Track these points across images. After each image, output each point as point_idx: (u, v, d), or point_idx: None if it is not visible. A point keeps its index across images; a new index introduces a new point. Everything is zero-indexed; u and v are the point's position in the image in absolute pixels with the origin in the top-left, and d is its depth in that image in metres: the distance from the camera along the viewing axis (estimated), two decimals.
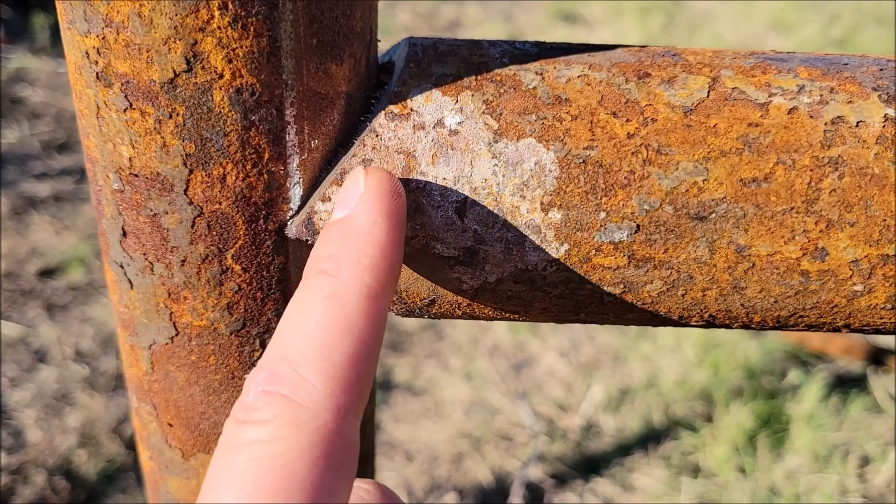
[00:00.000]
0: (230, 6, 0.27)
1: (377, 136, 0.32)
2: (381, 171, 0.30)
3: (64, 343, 1.88)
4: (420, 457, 1.73)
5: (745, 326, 0.35)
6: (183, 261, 0.32)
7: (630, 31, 3.40)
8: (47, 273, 2.06)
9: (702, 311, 0.33)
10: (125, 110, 0.29)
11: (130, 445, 1.67)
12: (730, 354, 1.93)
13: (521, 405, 1.84)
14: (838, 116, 0.31)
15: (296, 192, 0.32)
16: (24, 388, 1.76)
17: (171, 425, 0.36)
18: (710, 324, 0.34)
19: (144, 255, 0.32)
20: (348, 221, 0.29)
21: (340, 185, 0.32)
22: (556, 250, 0.32)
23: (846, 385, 1.88)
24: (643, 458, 1.74)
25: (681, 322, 0.34)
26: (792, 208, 0.31)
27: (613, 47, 0.34)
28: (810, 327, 0.34)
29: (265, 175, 0.31)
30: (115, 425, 1.70)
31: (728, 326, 0.35)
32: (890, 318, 0.33)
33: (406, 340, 2.00)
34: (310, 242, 0.32)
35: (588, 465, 1.73)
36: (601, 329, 2.04)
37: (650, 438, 1.78)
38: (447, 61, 0.33)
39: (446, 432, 1.78)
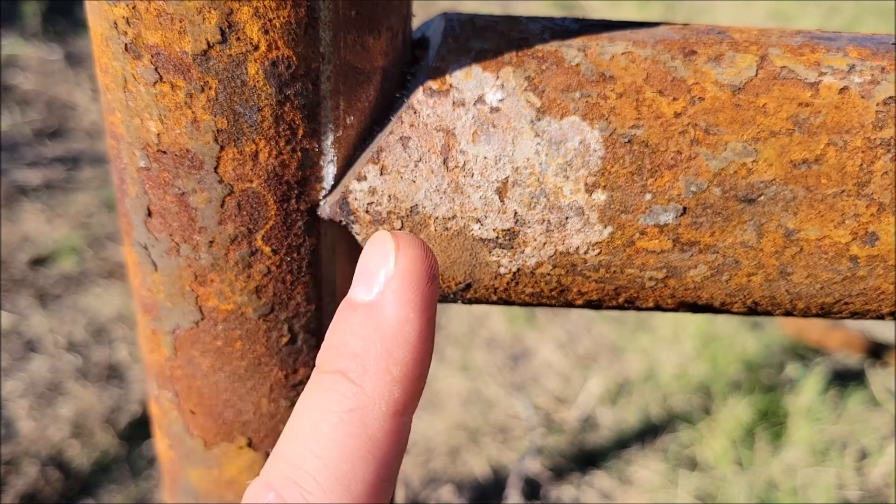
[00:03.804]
0: None
1: (415, 112, 0.30)
2: (416, 244, 0.25)
3: (56, 333, 1.86)
4: (416, 449, 1.73)
5: (788, 313, 0.34)
6: (211, 242, 0.31)
7: None
8: (39, 262, 2.04)
9: (745, 297, 0.33)
10: (154, 83, 0.28)
11: (124, 436, 1.65)
12: (728, 347, 1.93)
13: (518, 397, 1.83)
14: (890, 97, 0.30)
15: (329, 171, 0.31)
16: (16, 378, 1.74)
17: (193, 413, 0.35)
18: (751, 310, 0.34)
19: (171, 235, 0.31)
20: (375, 312, 0.24)
21: (376, 164, 0.30)
22: (600, 233, 0.31)
23: (844, 379, 1.88)
24: (641, 452, 1.73)
25: (722, 309, 0.33)
26: (843, 191, 0.30)
27: (656, 24, 0.33)
28: (854, 315, 0.33)
29: (299, 152, 0.30)
30: (108, 415, 1.69)
31: (769, 313, 0.34)
32: None
33: None
34: (343, 223, 0.31)
35: (585, 458, 1.72)
36: (599, 320, 2.04)
37: (648, 431, 1.78)
38: (486, 36, 0.32)
39: (443, 424, 1.77)
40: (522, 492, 1.64)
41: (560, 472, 1.69)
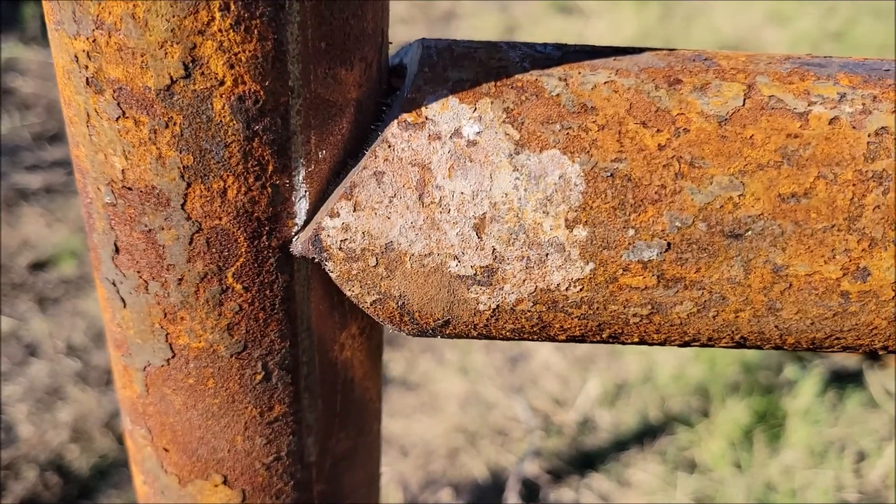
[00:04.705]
0: (232, 7, 0.25)
1: (390, 146, 0.29)
2: None
3: (56, 337, 1.86)
4: (415, 451, 1.72)
5: (777, 348, 0.33)
6: (180, 279, 0.30)
7: (626, 23, 3.37)
8: (39, 266, 2.04)
9: (733, 332, 0.32)
10: (118, 119, 0.27)
11: (123, 440, 1.65)
12: (726, 349, 1.92)
13: (516, 400, 1.82)
14: (882, 127, 0.29)
15: (301, 207, 0.30)
16: (16, 382, 1.74)
17: (167, 450, 0.34)
18: (740, 345, 0.33)
19: (139, 272, 0.30)
20: None
21: (350, 200, 0.29)
22: (581, 270, 0.30)
23: (842, 381, 1.87)
24: (639, 454, 1.73)
25: (709, 344, 0.33)
26: (833, 226, 0.29)
27: (640, 50, 0.32)
28: (846, 349, 0.33)
29: (269, 189, 0.29)
30: (108, 420, 1.68)
31: (759, 348, 0.33)
32: None
33: (401, 334, 1.99)
34: (316, 260, 0.30)
35: (584, 461, 1.72)
36: None
37: (646, 433, 1.77)
38: (464, 65, 0.31)
39: (442, 427, 1.77)
40: (521, 494, 1.63)
41: (558, 475, 1.68)
